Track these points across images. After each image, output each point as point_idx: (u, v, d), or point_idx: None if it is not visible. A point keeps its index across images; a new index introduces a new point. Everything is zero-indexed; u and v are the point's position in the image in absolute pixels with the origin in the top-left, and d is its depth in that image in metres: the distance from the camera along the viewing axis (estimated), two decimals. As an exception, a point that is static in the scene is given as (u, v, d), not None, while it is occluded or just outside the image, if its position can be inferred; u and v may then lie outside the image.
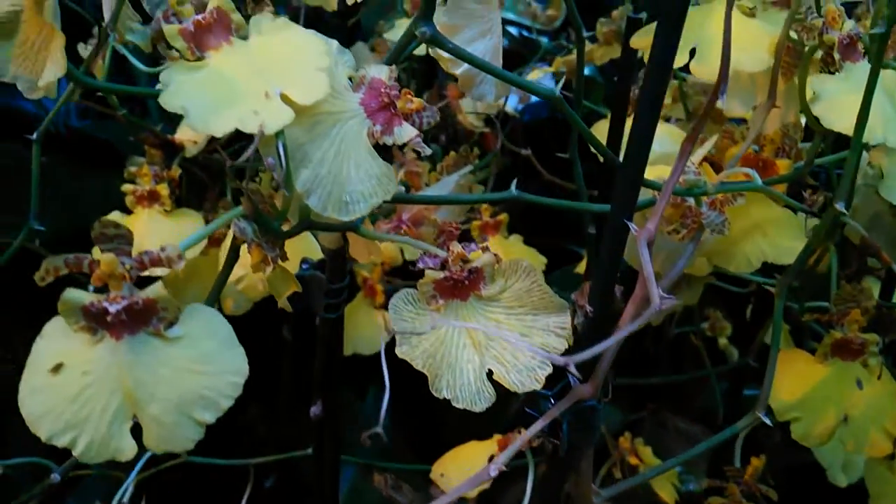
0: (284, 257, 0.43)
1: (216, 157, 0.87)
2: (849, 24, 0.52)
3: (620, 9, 0.89)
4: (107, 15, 0.62)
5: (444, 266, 0.45)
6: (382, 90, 0.43)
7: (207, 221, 0.82)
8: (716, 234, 0.51)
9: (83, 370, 0.34)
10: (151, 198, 0.77)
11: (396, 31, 0.81)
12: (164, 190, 0.77)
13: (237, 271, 0.76)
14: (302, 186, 0.40)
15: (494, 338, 0.44)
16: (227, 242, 0.80)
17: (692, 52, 0.56)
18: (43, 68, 0.38)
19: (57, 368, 0.34)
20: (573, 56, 0.92)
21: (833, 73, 0.52)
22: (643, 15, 0.68)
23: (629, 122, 0.71)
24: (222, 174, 0.92)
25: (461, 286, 0.45)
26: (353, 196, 0.41)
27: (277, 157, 0.39)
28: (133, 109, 1.07)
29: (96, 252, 0.36)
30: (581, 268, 0.99)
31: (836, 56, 0.51)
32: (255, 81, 0.38)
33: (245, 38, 0.41)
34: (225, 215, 0.41)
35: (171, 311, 0.35)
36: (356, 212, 0.41)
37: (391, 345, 0.92)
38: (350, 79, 0.43)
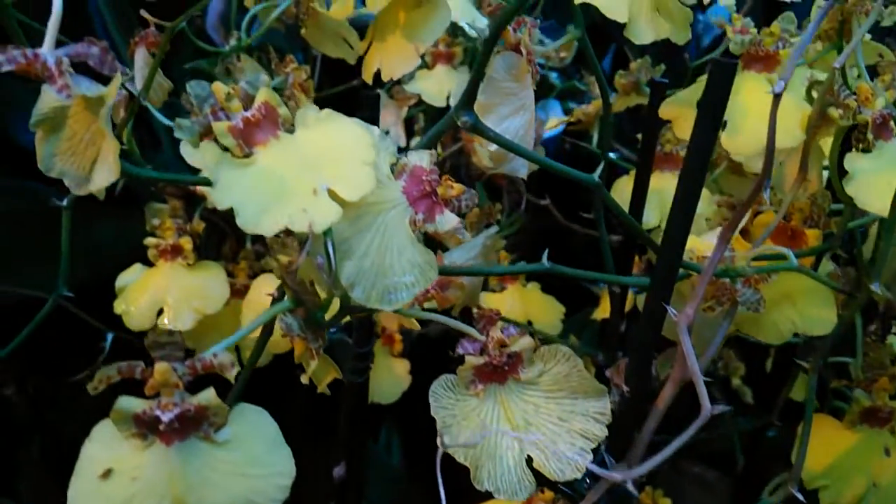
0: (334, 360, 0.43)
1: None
2: (880, 102, 0.52)
3: (640, 60, 0.90)
4: (139, 83, 0.62)
5: (483, 351, 0.45)
6: (424, 178, 0.43)
7: (229, 273, 0.82)
8: (751, 311, 0.51)
9: (133, 476, 0.34)
10: (174, 252, 0.77)
11: (416, 83, 0.82)
12: (187, 244, 0.76)
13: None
14: (346, 280, 0.40)
15: (534, 422, 0.44)
16: (252, 296, 0.80)
17: (723, 124, 0.56)
18: (91, 164, 0.38)
19: (107, 474, 0.34)
20: (590, 107, 0.93)
21: (865, 151, 0.52)
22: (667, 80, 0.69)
23: (653, 180, 0.72)
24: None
25: (500, 371, 0.45)
26: (395, 286, 0.41)
27: (326, 253, 0.39)
28: (142, 140, 1.07)
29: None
30: (599, 313, 0.99)
31: (869, 136, 0.51)
32: (302, 178, 0.38)
33: (291, 130, 0.41)
34: (272, 310, 0.41)
35: (220, 415, 0.35)
36: (398, 301, 0.41)
37: (408, 394, 0.92)
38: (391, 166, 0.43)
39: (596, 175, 0.46)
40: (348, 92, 1.08)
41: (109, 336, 0.87)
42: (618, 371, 0.50)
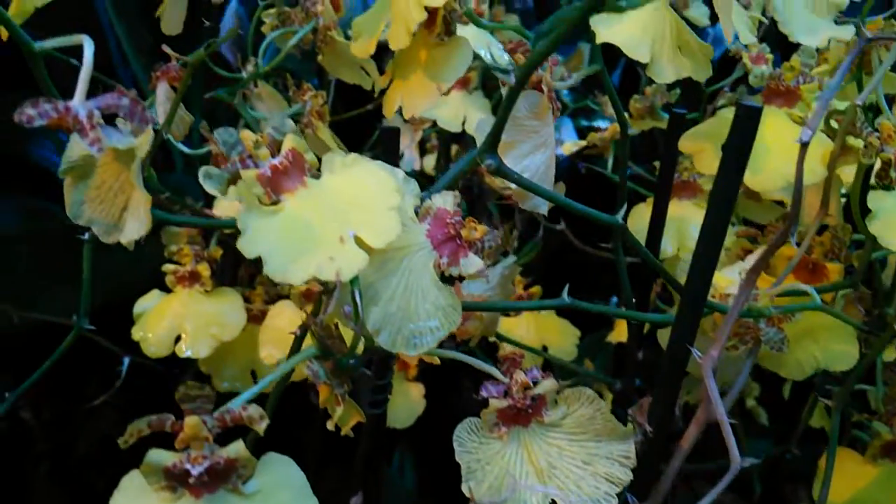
0: (353, 394, 0.43)
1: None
2: (903, 139, 0.52)
3: (654, 86, 0.90)
4: (160, 117, 0.63)
5: (506, 394, 0.45)
6: (448, 220, 0.43)
7: (245, 298, 0.82)
8: (774, 350, 0.51)
9: (162, 528, 0.34)
10: (192, 278, 0.77)
11: (433, 109, 0.82)
12: (205, 271, 0.77)
13: (276, 353, 0.77)
14: (373, 326, 0.40)
15: (558, 465, 0.44)
16: (270, 323, 0.80)
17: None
18: (120, 212, 0.38)
19: (136, 526, 0.34)
20: (606, 133, 0.93)
21: (887, 188, 0.52)
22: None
23: (671, 207, 0.72)
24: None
25: (524, 413, 0.45)
26: (420, 331, 0.41)
27: (352, 299, 0.39)
28: (156, 162, 1.08)
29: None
30: (614, 336, 0.98)
31: (893, 173, 0.51)
32: (330, 225, 0.38)
33: (318, 175, 0.41)
34: (297, 357, 0.41)
35: (249, 467, 0.35)
36: (423, 346, 0.41)
37: (421, 416, 0.91)
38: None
39: (619, 216, 0.46)
40: (362, 115, 1.09)
41: (126, 360, 0.87)
42: (640, 410, 0.50)
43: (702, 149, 0.57)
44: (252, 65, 0.86)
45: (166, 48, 0.62)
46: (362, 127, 1.07)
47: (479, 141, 0.53)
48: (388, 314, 0.40)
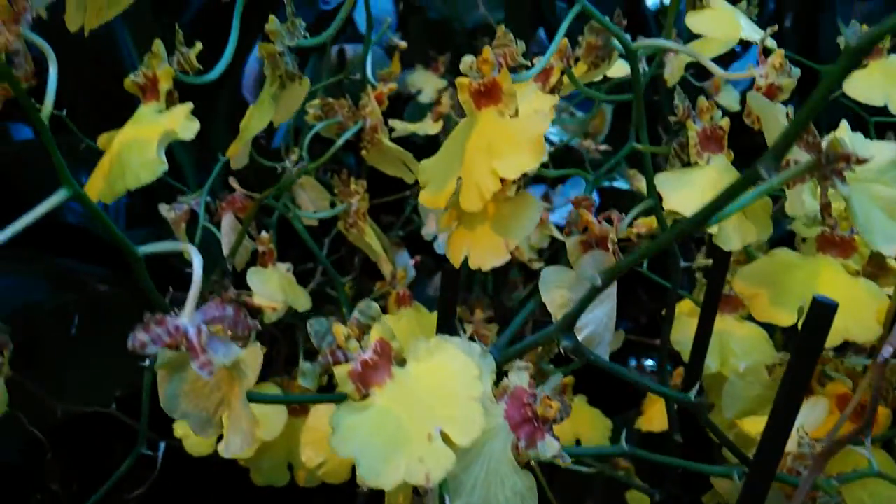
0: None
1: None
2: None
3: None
4: (225, 248, 0.64)
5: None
6: (525, 401, 0.44)
7: (283, 388, 0.83)
8: (830, 511, 0.52)
9: None
10: (235, 376, 0.77)
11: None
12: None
13: (316, 456, 0.77)
14: (456, 517, 0.41)
15: None
16: (312, 423, 0.81)
17: (800, 310, 0.57)
18: (216, 407, 0.39)
19: None
20: (642, 230, 0.93)
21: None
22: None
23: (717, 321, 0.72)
24: (293, 328, 0.93)
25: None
26: (500, 518, 0.42)
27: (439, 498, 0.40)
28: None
29: None
30: (643, 423, 0.99)
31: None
32: (417, 421, 0.39)
33: (403, 362, 0.42)
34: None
35: None
36: (501, 529, 0.42)
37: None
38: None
39: (692, 395, 0.47)
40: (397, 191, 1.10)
41: (162, 445, 0.88)
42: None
43: (756, 293, 0.58)
44: (294, 155, 0.87)
45: (233, 181, 0.63)
46: (398, 209, 1.08)
47: (543, 293, 0.54)
48: None
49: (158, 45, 0.46)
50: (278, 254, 0.82)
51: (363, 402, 0.40)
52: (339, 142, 0.81)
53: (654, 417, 0.96)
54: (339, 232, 0.83)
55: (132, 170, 0.41)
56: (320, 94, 0.89)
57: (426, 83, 1.35)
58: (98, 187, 0.43)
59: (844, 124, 0.48)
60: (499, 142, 0.50)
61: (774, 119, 0.45)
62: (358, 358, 0.40)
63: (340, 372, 0.39)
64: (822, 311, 0.42)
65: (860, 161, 0.36)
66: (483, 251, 0.52)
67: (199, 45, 0.45)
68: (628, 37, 0.59)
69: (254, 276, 0.74)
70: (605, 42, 0.68)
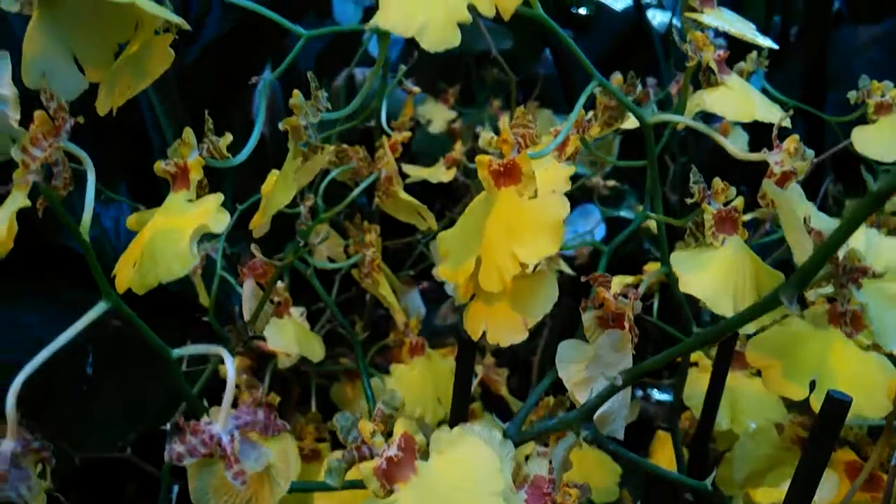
0: None
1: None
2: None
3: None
4: (246, 314, 0.65)
5: None
6: (545, 490, 0.45)
7: (294, 432, 0.84)
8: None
9: None
10: (250, 425, 0.79)
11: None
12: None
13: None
14: None
15: None
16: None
17: (811, 384, 0.58)
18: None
19: None
20: (652, 279, 0.94)
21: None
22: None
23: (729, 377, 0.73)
24: (305, 372, 0.94)
25: None
26: None
27: None
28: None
29: None
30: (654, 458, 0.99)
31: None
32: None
33: (426, 455, 0.43)
34: None
35: None
36: None
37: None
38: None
39: (708, 483, 0.48)
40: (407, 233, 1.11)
41: (175, 488, 0.89)
42: None
43: (769, 364, 0.59)
44: (309, 202, 0.88)
45: (255, 249, 0.64)
46: (408, 251, 1.09)
47: (560, 369, 0.55)
48: None
49: (189, 134, 0.47)
50: (291, 291, 0.83)
51: (388, 500, 0.41)
52: (355, 192, 0.82)
53: (663, 461, 0.97)
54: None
55: (165, 262, 0.42)
56: (334, 139, 0.90)
57: (436, 114, 1.36)
58: (128, 277, 0.44)
59: (863, 232, 0.49)
60: (519, 224, 0.51)
61: (790, 210, 0.46)
62: (383, 454, 0.41)
63: (366, 469, 0.40)
64: (835, 407, 0.43)
65: (877, 275, 0.37)
66: (501, 327, 0.53)
67: (228, 136, 0.46)
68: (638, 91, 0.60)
69: (270, 328, 0.75)
70: (619, 102, 0.69)
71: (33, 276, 1.10)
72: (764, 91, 0.96)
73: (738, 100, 0.57)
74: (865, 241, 0.41)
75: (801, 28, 2.20)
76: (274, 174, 0.64)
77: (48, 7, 0.43)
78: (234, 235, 0.85)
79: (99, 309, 0.36)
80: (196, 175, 0.46)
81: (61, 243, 1.12)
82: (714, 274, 0.51)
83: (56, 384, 0.95)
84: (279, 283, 0.77)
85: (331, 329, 0.95)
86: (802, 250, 0.48)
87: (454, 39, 0.40)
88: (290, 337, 0.75)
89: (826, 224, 0.53)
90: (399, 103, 1.31)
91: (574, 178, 1.33)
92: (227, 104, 1.58)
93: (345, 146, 0.87)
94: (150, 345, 0.40)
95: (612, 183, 1.27)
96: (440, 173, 0.94)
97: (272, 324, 0.76)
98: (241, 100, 1.51)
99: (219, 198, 0.44)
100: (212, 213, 0.43)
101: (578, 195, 1.42)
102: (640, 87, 0.82)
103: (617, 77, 0.93)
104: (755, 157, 0.54)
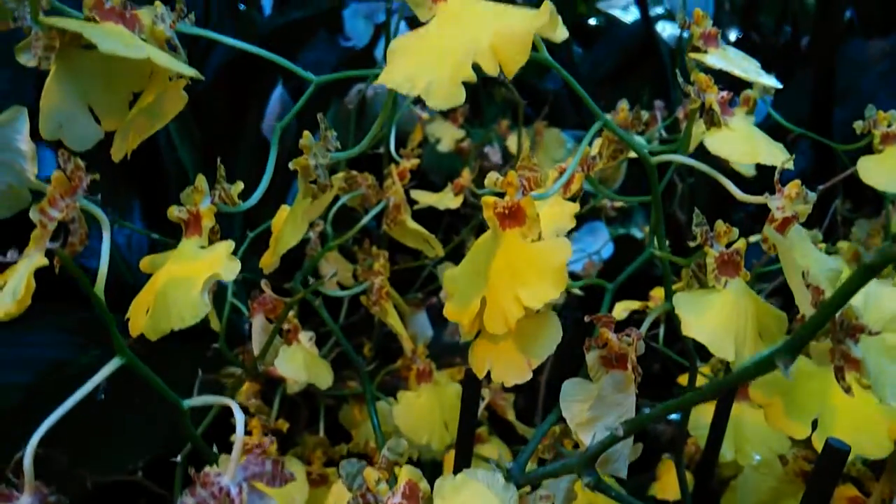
0: None
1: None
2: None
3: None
4: (256, 349, 0.66)
5: None
6: (548, 533, 0.46)
7: (303, 458, 0.85)
8: None
9: None
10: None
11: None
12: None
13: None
14: None
15: None
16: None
17: (813, 423, 0.58)
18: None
19: None
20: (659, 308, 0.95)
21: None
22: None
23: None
24: (313, 395, 0.95)
25: None
26: None
27: None
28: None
29: None
30: (658, 490, 0.99)
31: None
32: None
33: (430, 501, 0.44)
34: None
35: None
36: None
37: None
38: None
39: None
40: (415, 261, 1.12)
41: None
42: None
43: (771, 402, 0.60)
44: (318, 229, 0.89)
45: (265, 285, 0.65)
46: (415, 275, 1.10)
47: (564, 408, 0.56)
48: None
49: (201, 181, 0.48)
50: (301, 312, 0.83)
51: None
52: (364, 220, 0.83)
53: (669, 485, 0.97)
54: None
55: (177, 310, 0.43)
56: (343, 165, 0.91)
57: (444, 133, 1.37)
58: (141, 323, 0.45)
59: (863, 293, 0.49)
60: (523, 268, 0.52)
61: (791, 259, 0.47)
62: (388, 502, 0.42)
63: (373, 520, 0.41)
64: (834, 455, 0.44)
65: (873, 333, 0.37)
66: (505, 367, 0.54)
67: (240, 184, 0.48)
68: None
69: (280, 355, 0.76)
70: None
71: (45, 295, 1.11)
72: (769, 117, 0.96)
73: (741, 142, 0.57)
74: (865, 291, 0.41)
75: (811, 39, 2.19)
76: (284, 210, 0.66)
77: (65, 61, 0.45)
78: (244, 258, 0.87)
79: (113, 365, 0.37)
80: (208, 222, 0.47)
81: (76, 260, 1.13)
82: (716, 317, 0.52)
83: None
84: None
85: (340, 351, 0.96)
86: (803, 298, 0.49)
87: (459, 97, 0.41)
88: (298, 364, 0.76)
89: (827, 268, 0.53)
90: (407, 119, 1.32)
91: (583, 199, 1.33)
92: (238, 123, 1.60)
93: (354, 173, 0.88)
94: (161, 387, 0.41)
95: (619, 204, 1.27)
96: (448, 200, 0.95)
97: (281, 351, 0.77)
98: (251, 120, 1.53)
99: (229, 246, 0.45)
100: (223, 262, 0.44)
101: (586, 212, 1.42)
102: (646, 114, 0.83)
103: (622, 105, 0.93)
104: (757, 199, 0.54)
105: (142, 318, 0.45)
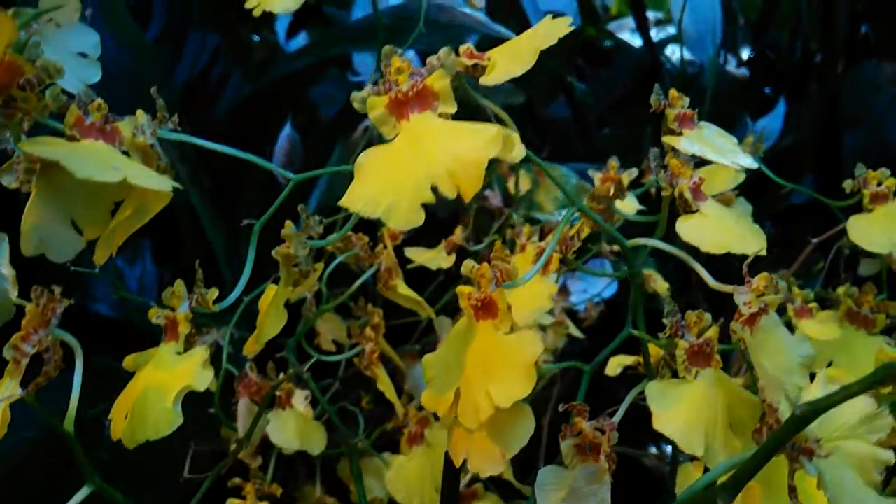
0: None
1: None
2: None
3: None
4: (241, 431, 0.67)
5: None
6: None
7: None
8: None
9: None
10: (255, 513, 0.81)
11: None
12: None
13: None
14: None
15: None
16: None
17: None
18: None
19: None
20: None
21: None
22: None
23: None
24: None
25: None
26: None
27: None
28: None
29: None
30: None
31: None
32: None
33: None
34: None
35: None
36: None
37: None
38: None
39: None
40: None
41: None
42: None
43: (749, 486, 0.60)
44: (315, 288, 0.91)
45: (250, 368, 0.67)
46: (409, 331, 1.11)
47: (540, 497, 0.56)
48: None
49: (180, 286, 0.49)
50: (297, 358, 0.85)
51: None
52: (357, 283, 0.85)
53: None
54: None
55: (153, 420, 0.45)
56: (337, 229, 0.93)
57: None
58: (120, 429, 0.47)
59: (820, 382, 0.49)
60: (495, 363, 0.53)
61: (757, 359, 0.48)
62: None
63: None
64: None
65: (826, 454, 0.38)
66: (480, 458, 0.55)
67: (215, 291, 0.49)
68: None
69: (272, 421, 0.78)
70: (608, 205, 0.71)
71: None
72: (776, 144, 0.96)
73: (713, 229, 0.58)
74: (823, 391, 0.42)
75: (821, 60, 2.18)
76: (272, 290, 0.67)
77: (46, 180, 0.47)
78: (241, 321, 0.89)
79: (82, 493, 0.39)
80: (184, 329, 0.48)
81: (86, 305, 1.16)
82: (686, 412, 0.53)
83: (74, 464, 0.99)
84: (282, 376, 0.79)
85: (339, 406, 0.97)
86: (773, 394, 0.49)
87: (418, 219, 0.42)
88: (291, 432, 0.77)
89: (799, 355, 0.54)
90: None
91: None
92: (244, 165, 1.63)
93: (349, 233, 0.90)
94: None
95: (617, 248, 1.28)
96: (440, 259, 0.96)
97: (274, 417, 0.78)
98: (258, 150, 1.56)
99: (203, 355, 0.47)
100: (196, 372, 0.46)
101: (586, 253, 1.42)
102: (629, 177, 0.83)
103: (612, 163, 0.94)
104: (725, 289, 0.55)
105: (121, 423, 0.47)
